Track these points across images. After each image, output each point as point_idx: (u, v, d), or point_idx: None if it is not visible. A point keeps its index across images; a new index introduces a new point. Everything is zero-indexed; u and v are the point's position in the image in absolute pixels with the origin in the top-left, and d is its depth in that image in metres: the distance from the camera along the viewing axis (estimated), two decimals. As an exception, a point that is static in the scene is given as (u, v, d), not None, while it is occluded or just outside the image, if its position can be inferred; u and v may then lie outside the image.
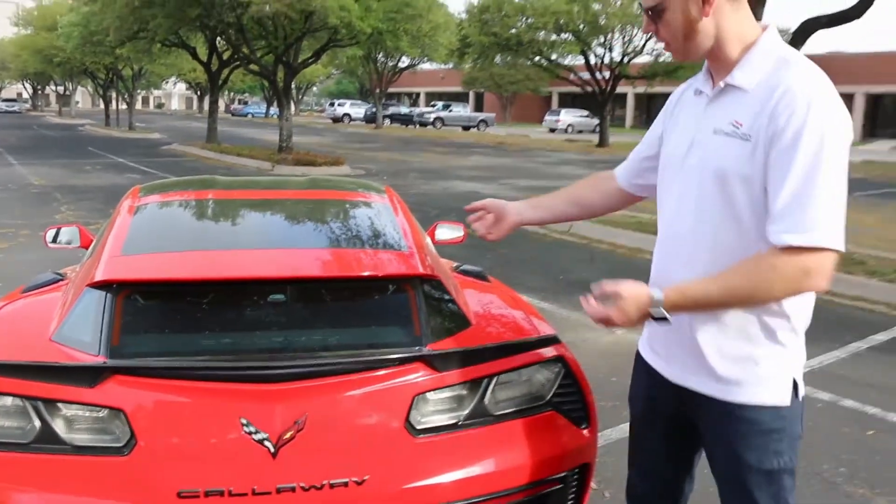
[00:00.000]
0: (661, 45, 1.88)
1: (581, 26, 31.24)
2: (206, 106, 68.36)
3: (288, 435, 2.06)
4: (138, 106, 42.05)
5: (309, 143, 30.17)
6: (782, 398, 1.83)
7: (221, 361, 2.23)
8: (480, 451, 2.26)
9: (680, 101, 2.05)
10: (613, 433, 4.11)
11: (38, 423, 2.08)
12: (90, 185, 15.48)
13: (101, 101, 48.20)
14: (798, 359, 1.86)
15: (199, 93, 68.61)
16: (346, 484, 2.08)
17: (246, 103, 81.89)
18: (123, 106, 43.66)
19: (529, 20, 31.09)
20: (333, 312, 2.57)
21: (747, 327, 1.82)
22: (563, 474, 2.37)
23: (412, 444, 2.18)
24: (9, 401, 2.11)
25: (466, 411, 2.29)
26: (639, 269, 8.46)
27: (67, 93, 61.06)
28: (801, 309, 1.83)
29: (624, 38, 32.76)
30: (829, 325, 6.60)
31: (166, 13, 21.38)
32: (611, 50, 33.09)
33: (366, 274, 2.57)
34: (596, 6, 31.03)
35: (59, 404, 2.09)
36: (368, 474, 2.10)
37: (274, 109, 69.73)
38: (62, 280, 3.13)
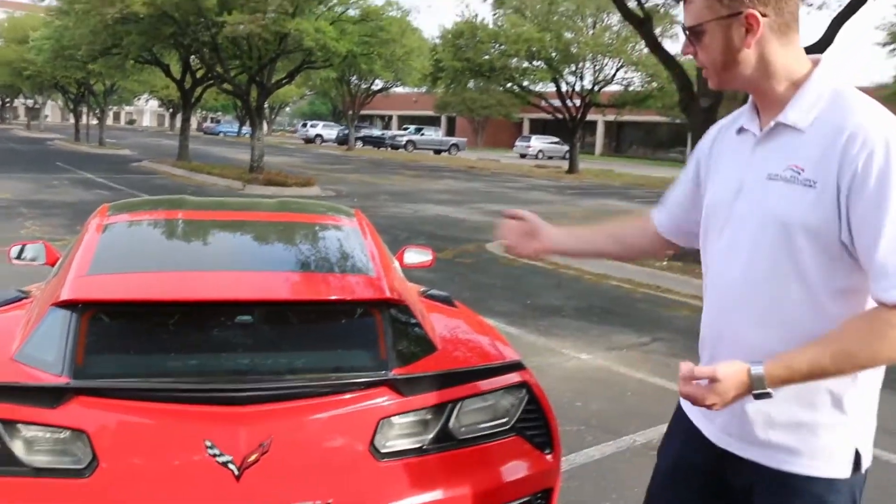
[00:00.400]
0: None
1: (553, 54, 31.60)
2: (178, 123, 67.96)
3: (252, 458, 2.07)
4: (109, 121, 41.68)
5: (280, 162, 30.09)
6: (840, 471, 1.65)
7: (186, 383, 2.23)
8: (445, 476, 2.27)
9: (719, 139, 1.89)
10: (577, 458, 4.14)
11: None
12: (57, 201, 15.30)
13: (71, 115, 47.75)
14: (864, 427, 1.67)
15: (171, 110, 68.25)
16: (309, 507, 2.08)
17: (218, 122, 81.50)
18: (94, 121, 43.29)
19: (502, 47, 31.35)
20: (300, 336, 2.58)
21: (808, 393, 1.63)
22: (526, 499, 2.39)
23: (376, 467, 2.19)
24: None
25: (431, 435, 2.31)
26: (605, 295, 8.58)
27: (37, 106, 60.40)
28: (872, 371, 1.64)
29: (595, 66, 33.20)
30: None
31: (140, 30, 21.31)
32: (582, 78, 33.51)
33: (333, 298, 2.59)
34: (568, 35, 31.42)
35: (20, 425, 2.07)
36: (332, 497, 2.11)
37: (246, 128, 69.37)
38: (26, 298, 3.10)
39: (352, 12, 22.70)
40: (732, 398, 1.56)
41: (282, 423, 2.14)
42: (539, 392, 2.53)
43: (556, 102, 33.58)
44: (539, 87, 35.56)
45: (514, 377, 2.48)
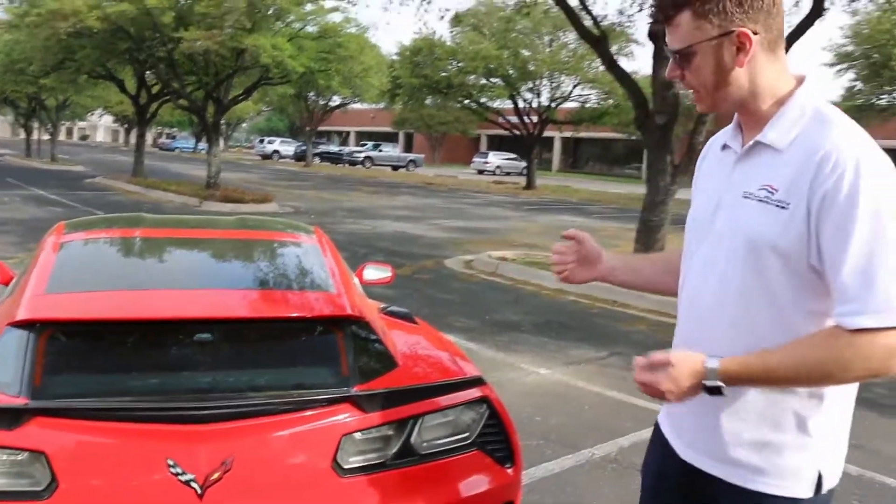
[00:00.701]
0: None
1: (510, 72, 31.89)
2: (132, 139, 67.03)
3: (215, 476, 2.07)
4: (62, 137, 41.01)
5: (237, 179, 29.88)
6: (803, 491, 1.66)
7: (147, 402, 2.23)
8: (407, 490, 2.30)
9: (708, 155, 1.90)
10: (537, 472, 4.18)
11: None
12: (8, 218, 15.02)
13: (21, 130, 46.85)
14: (829, 449, 1.68)
15: (125, 125, 67.40)
16: (273, 525, 2.09)
17: (174, 137, 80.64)
18: (46, 136, 42.55)
19: (460, 64, 31.60)
20: (261, 353, 2.59)
21: (774, 413, 1.66)
22: (488, 512, 2.42)
23: (339, 483, 2.21)
24: None
25: (393, 451, 2.33)
26: (563, 310, 8.66)
27: (-14, 122, 59.32)
28: (839, 395, 1.65)
29: (552, 83, 33.58)
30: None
31: (94, 44, 21.06)
32: (539, 95, 33.85)
33: (293, 315, 2.60)
34: (525, 53, 31.76)
35: (-22, 447, 2.06)
36: (295, 514, 2.12)
37: (202, 144, 68.84)
38: (-20, 317, 3.06)
39: (310, 29, 22.68)
40: (687, 388, 1.58)
41: (244, 440, 2.15)
42: (499, 407, 2.57)
43: (514, 119, 33.88)
44: (497, 104, 35.86)
45: (474, 392, 2.51)
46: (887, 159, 1.56)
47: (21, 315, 2.41)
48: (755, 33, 1.61)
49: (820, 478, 1.66)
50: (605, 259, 2.05)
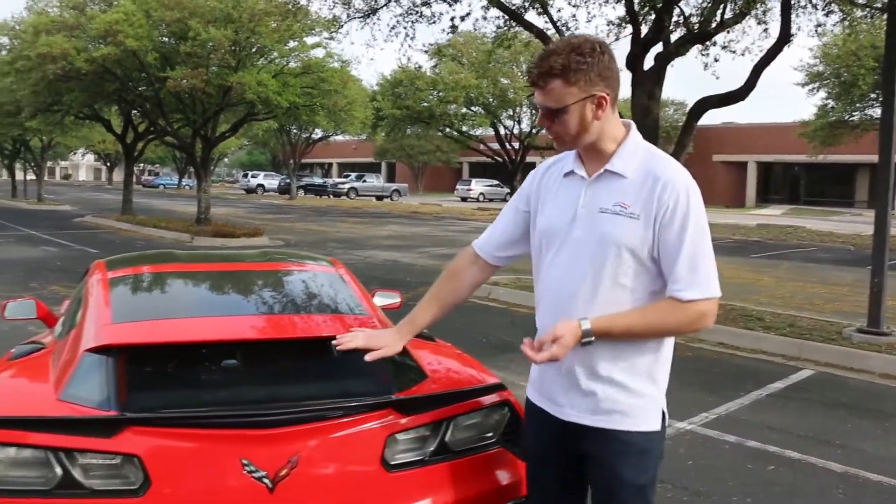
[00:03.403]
0: (555, 139, 2.23)
1: (491, 100, 32.44)
2: (115, 177, 66.83)
3: (283, 472, 2.39)
4: (45, 177, 41.06)
5: (225, 213, 30.14)
6: (653, 425, 2.26)
7: (222, 411, 2.55)
8: (444, 483, 2.62)
9: (545, 178, 2.41)
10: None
11: (59, 471, 2.35)
12: (6, 259, 15.26)
13: (3, 172, 46.89)
14: (663, 393, 2.29)
15: (108, 164, 67.38)
16: (332, 513, 2.43)
17: (157, 174, 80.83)
18: (31, 176, 42.66)
19: (441, 94, 32.09)
20: (314, 367, 2.92)
21: (630, 370, 2.22)
22: (514, 501, 2.74)
23: (387, 477, 2.54)
24: (32, 452, 2.37)
25: (431, 449, 2.66)
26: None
27: (-31, 164, 59.25)
28: (669, 355, 2.29)
29: (532, 110, 34.08)
30: (731, 376, 7.23)
31: (83, 87, 21.35)
32: (520, 122, 34.40)
33: (334, 342, 2.92)
34: (504, 81, 32.31)
35: (80, 454, 2.37)
36: (352, 504, 2.46)
37: (186, 181, 69.10)
38: (43, 348, 3.38)
39: (293, 64, 23.06)
40: (572, 347, 2.12)
41: (306, 441, 2.47)
42: (519, 409, 2.90)
43: (496, 146, 34.35)
44: (478, 132, 36.35)
45: (497, 397, 2.85)
46: (695, 184, 2.21)
47: (98, 341, 2.74)
48: (609, 95, 2.17)
49: (663, 413, 2.30)
50: (391, 339, 2.58)
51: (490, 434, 2.82)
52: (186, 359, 2.84)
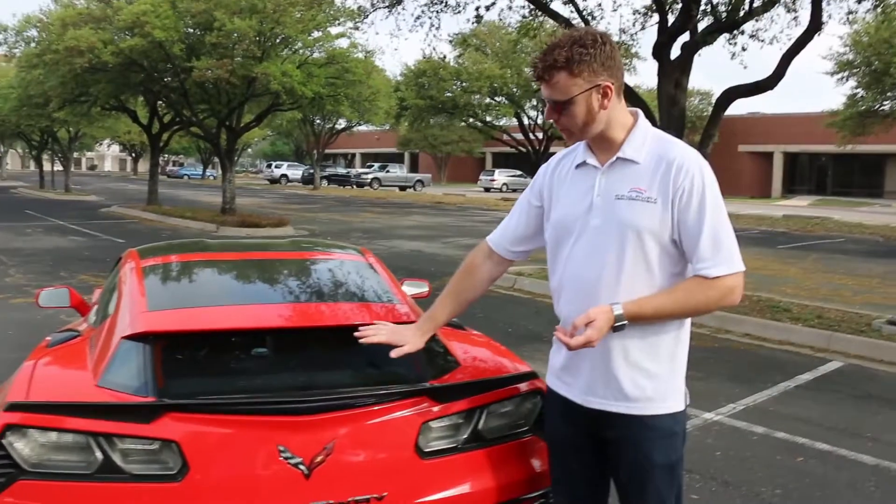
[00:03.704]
0: (563, 131, 2.26)
1: (514, 90, 32.35)
2: (140, 167, 67.38)
3: (319, 458, 2.42)
4: (72, 168, 41.47)
5: (250, 203, 30.35)
6: (678, 405, 2.30)
7: (259, 397, 2.58)
8: (477, 470, 2.64)
9: (557, 170, 2.44)
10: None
11: (100, 456, 2.39)
12: (36, 248, 15.45)
13: (31, 163, 47.43)
14: (683, 374, 2.33)
15: (133, 154, 68.02)
16: (367, 500, 2.44)
17: (181, 165, 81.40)
18: (58, 167, 43.13)
19: (464, 84, 32.06)
20: (350, 355, 2.94)
21: (651, 354, 2.24)
22: (544, 490, 2.75)
23: (421, 464, 2.56)
24: (73, 437, 2.41)
25: (464, 436, 2.67)
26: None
27: (-2, 155, 60.05)
28: (687, 337, 2.33)
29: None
30: (760, 367, 7.19)
31: (109, 78, 21.55)
32: (543, 112, 34.22)
33: (377, 322, 2.94)
34: (528, 71, 32.13)
35: (119, 439, 2.40)
36: (386, 491, 2.47)
37: (210, 171, 69.57)
38: (79, 336, 3.42)
39: (318, 55, 23.13)
40: (605, 332, 2.14)
41: (341, 428, 2.49)
42: (551, 397, 2.91)
43: (519, 136, 34.29)
44: (502, 122, 36.29)
45: (530, 385, 2.86)
46: (707, 163, 2.25)
47: (135, 329, 2.77)
48: (614, 84, 2.21)
49: (685, 394, 2.34)
50: (412, 336, 2.62)
51: (522, 422, 2.82)
52: (222, 346, 2.88)
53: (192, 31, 21.50)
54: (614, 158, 2.26)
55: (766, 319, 8.87)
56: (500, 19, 13.97)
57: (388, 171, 53.72)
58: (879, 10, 11.28)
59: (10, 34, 25.04)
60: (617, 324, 2.16)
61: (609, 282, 2.23)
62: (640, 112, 2.34)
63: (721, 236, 2.18)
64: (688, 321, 2.33)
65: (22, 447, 2.36)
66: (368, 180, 52.24)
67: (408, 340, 2.60)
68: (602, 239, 2.25)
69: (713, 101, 11.73)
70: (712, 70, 31.02)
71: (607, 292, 2.23)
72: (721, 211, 2.21)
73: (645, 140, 2.26)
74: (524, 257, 2.66)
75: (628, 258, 2.21)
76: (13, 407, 2.42)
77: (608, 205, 2.25)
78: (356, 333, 2.64)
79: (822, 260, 16.48)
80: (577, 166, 2.36)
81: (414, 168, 67.74)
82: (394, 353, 2.56)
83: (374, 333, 2.61)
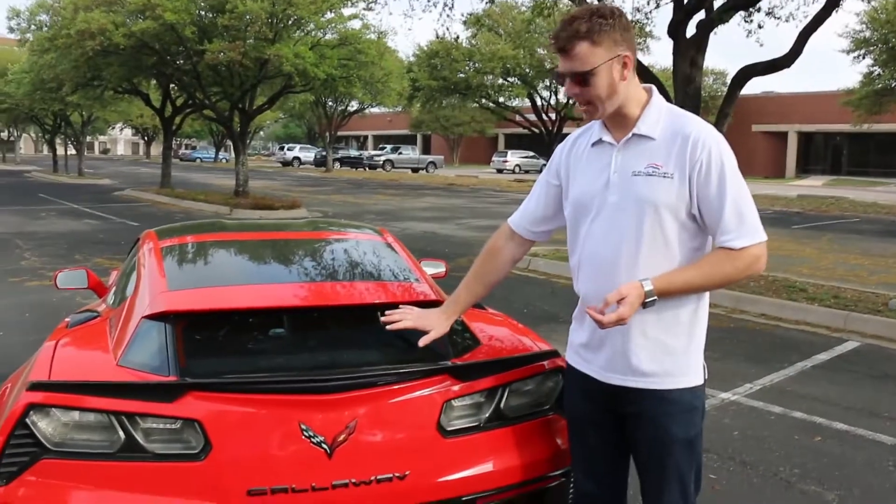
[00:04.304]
0: (583, 106, 2.25)
1: (527, 71, 32.18)
2: (153, 151, 67.50)
3: (341, 438, 2.42)
4: (85, 152, 41.56)
5: (262, 186, 30.38)
6: (697, 380, 2.32)
7: (281, 376, 2.58)
8: (499, 449, 2.64)
9: (573, 149, 2.45)
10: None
11: (122, 435, 2.39)
12: (50, 231, 15.52)
13: (45, 147, 47.62)
14: (702, 348, 2.34)
15: (145, 138, 68.14)
16: (390, 479, 2.45)
17: (194, 148, 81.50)
18: (71, 151, 43.27)
19: (477, 65, 31.92)
20: (372, 333, 2.94)
21: (673, 328, 2.26)
22: (566, 468, 2.75)
23: (443, 443, 2.56)
24: (95, 417, 2.41)
25: (486, 415, 2.67)
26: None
27: (11, 139, 60.24)
28: (705, 313, 2.34)
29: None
30: (777, 347, 7.15)
31: (122, 61, 21.54)
32: (556, 93, 34.13)
33: (398, 300, 2.94)
34: (541, 51, 32.04)
35: (141, 418, 2.41)
36: (409, 470, 2.47)
37: (223, 154, 69.63)
38: (98, 316, 3.44)
39: (330, 36, 23.03)
40: (637, 307, 2.14)
41: (364, 407, 2.49)
42: (572, 376, 2.90)
43: (532, 117, 34.15)
44: (515, 103, 36.13)
45: (551, 363, 2.85)
46: (722, 136, 2.24)
47: (155, 308, 2.78)
48: (631, 56, 2.22)
49: (703, 366, 2.35)
50: (438, 321, 2.66)
51: (544, 400, 2.82)
52: (243, 325, 2.88)
53: (203, 13, 21.41)
54: (630, 135, 2.27)
55: (782, 299, 8.82)
56: (514, -2, 13.85)
57: (400, 153, 53.67)
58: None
59: (22, 19, 25.09)
60: (647, 300, 2.16)
61: (628, 258, 2.24)
62: (654, 88, 2.34)
63: (743, 208, 2.19)
64: (706, 296, 2.34)
65: (45, 426, 2.37)
66: (381, 162, 52.23)
67: (433, 325, 2.63)
68: (620, 215, 2.25)
69: (727, 80, 11.62)
70: (727, 49, 30.73)
71: (626, 269, 2.24)
72: (741, 182, 2.21)
73: (660, 116, 2.27)
74: (545, 237, 2.66)
75: (646, 234, 2.22)
76: (36, 386, 2.42)
77: (625, 181, 2.25)
78: (382, 319, 2.65)
79: (838, 240, 16.37)
80: (593, 144, 2.37)
81: (426, 150, 67.60)
82: (422, 342, 2.59)
83: (400, 319, 2.63)
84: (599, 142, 2.35)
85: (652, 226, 2.21)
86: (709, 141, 2.19)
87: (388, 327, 2.62)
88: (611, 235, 2.27)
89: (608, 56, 2.18)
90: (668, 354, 2.27)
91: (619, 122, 2.29)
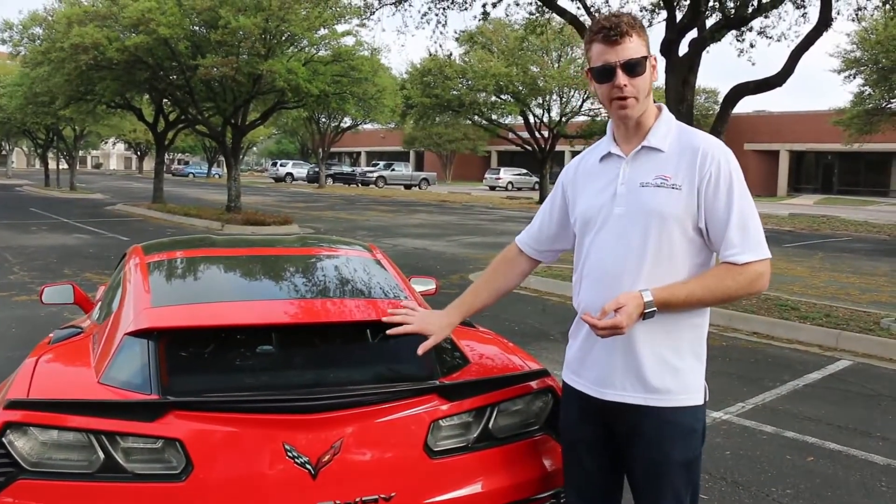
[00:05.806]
0: (627, 100, 2.20)
1: (520, 88, 32.23)
2: (146, 166, 67.44)
3: (326, 458, 2.37)
4: (77, 166, 41.43)
5: (255, 202, 30.30)
6: (699, 400, 2.28)
7: (264, 395, 2.52)
8: (487, 470, 2.59)
9: (580, 169, 2.46)
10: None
11: (101, 455, 2.34)
12: (41, 245, 15.43)
13: (36, 161, 47.50)
14: (704, 368, 2.31)
15: (138, 153, 67.98)
16: (375, 500, 2.39)
17: (187, 163, 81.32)
18: (63, 166, 43.12)
19: (470, 82, 31.96)
20: (358, 352, 2.90)
21: (674, 346, 2.23)
22: (555, 490, 2.70)
23: (430, 464, 2.51)
24: (74, 436, 2.36)
25: (474, 435, 2.62)
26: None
27: (4, 153, 60.01)
28: (705, 332, 2.31)
29: (561, 98, 33.94)
30: (768, 366, 7.13)
31: (115, 76, 21.53)
32: (549, 110, 34.21)
33: (385, 319, 2.89)
34: (534, 69, 32.12)
35: (122, 437, 2.35)
36: (394, 491, 2.42)
37: (215, 169, 69.56)
38: (82, 332, 3.38)
39: (323, 52, 23.08)
40: (635, 319, 2.12)
41: (349, 427, 2.43)
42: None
43: (525, 134, 34.18)
44: (508, 120, 36.19)
45: (541, 383, 2.81)
46: (730, 151, 2.26)
47: (138, 325, 2.72)
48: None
49: (705, 388, 2.30)
50: (439, 324, 2.64)
51: (533, 421, 2.77)
52: (227, 343, 2.83)
53: (197, 28, 21.46)
54: (639, 147, 2.28)
55: (774, 318, 8.80)
56: (507, 15, 14.02)
57: (393, 170, 53.65)
58: (888, 6, 11.20)
59: (15, 32, 25.06)
60: (647, 311, 2.13)
61: (632, 270, 2.22)
62: (664, 105, 2.36)
63: (749, 223, 2.19)
64: (707, 313, 2.31)
65: (22, 445, 2.31)
66: (374, 179, 52.16)
67: (434, 330, 2.61)
68: (626, 227, 2.25)
69: (719, 99, 11.66)
70: (718, 69, 30.91)
71: (630, 280, 2.21)
72: (748, 198, 2.21)
73: (669, 129, 2.28)
74: (550, 258, 2.67)
75: (651, 245, 2.21)
76: (13, 405, 2.37)
77: (632, 192, 2.25)
78: (385, 318, 2.64)
79: (829, 258, 16.39)
80: (602, 159, 2.38)
81: (419, 166, 67.64)
82: (420, 349, 2.57)
83: (403, 321, 2.62)
84: (608, 155, 2.36)
85: (658, 238, 2.20)
86: (718, 154, 2.20)
87: (389, 331, 2.59)
88: (616, 247, 2.26)
89: (646, 52, 2.23)
90: (670, 372, 2.24)
91: (632, 133, 2.30)
